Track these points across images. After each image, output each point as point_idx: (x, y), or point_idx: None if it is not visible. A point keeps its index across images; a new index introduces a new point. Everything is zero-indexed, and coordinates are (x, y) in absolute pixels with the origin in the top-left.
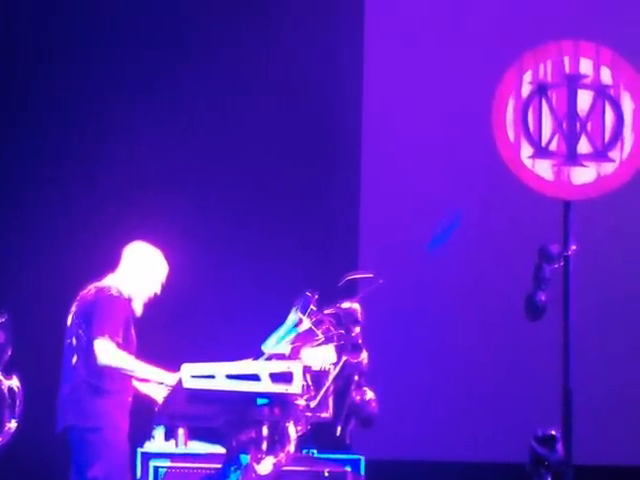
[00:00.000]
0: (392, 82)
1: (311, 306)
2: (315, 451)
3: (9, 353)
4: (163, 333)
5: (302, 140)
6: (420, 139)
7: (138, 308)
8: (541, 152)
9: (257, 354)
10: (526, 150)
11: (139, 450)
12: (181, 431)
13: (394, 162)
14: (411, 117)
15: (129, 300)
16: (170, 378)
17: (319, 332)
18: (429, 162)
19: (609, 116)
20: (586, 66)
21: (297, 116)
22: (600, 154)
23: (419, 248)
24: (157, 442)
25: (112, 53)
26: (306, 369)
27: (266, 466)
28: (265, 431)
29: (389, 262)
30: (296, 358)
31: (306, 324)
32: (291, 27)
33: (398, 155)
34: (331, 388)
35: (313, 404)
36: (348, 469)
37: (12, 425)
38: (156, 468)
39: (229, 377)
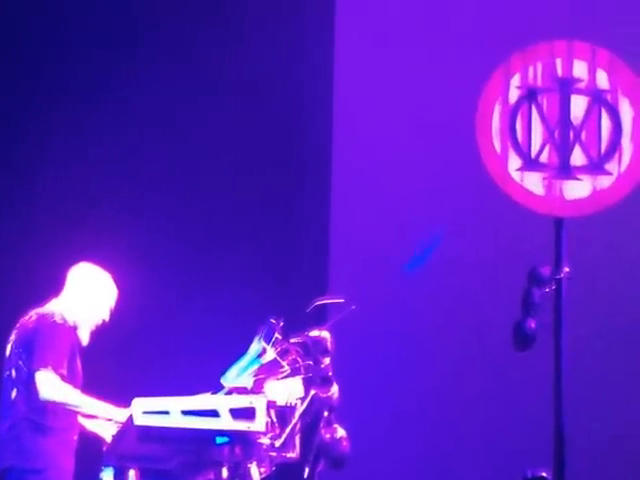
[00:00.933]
0: (365, 88)
1: (276, 334)
2: None
3: None
4: (112, 364)
5: (266, 152)
6: (396, 150)
7: (84, 337)
8: (531, 164)
9: (216, 388)
10: (514, 162)
11: None
12: (132, 473)
13: (367, 175)
14: (386, 126)
15: (74, 328)
16: (120, 414)
17: (285, 363)
18: (406, 175)
19: (606, 124)
20: (580, 69)
21: (261, 125)
22: (596, 166)
23: (395, 270)
24: None
25: (60, 54)
26: (270, 404)
27: None
28: (225, 473)
29: (362, 286)
30: (259, 392)
31: (270, 354)
32: (255, 26)
33: (371, 167)
34: (298, 425)
35: (278, 443)
36: None
37: None
38: None
39: (185, 413)
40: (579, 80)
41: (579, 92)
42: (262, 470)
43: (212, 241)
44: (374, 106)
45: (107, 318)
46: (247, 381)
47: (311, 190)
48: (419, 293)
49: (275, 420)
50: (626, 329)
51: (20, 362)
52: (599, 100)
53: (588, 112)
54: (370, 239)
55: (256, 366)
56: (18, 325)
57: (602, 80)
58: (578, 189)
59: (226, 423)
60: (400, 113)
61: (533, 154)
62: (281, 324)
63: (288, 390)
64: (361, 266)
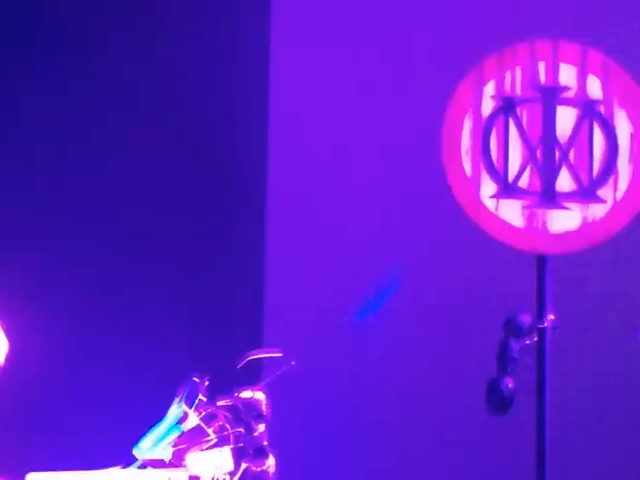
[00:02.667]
0: (307, 102)
1: (200, 396)
2: None
3: None
4: (2, 431)
5: (192, 187)
6: (344, 177)
7: None
8: (508, 190)
9: (127, 460)
10: (488, 187)
11: None
12: None
13: (309, 209)
14: (332, 148)
15: None
16: None
17: (210, 431)
18: (356, 206)
19: (599, 142)
20: (568, 75)
21: (185, 153)
22: (586, 193)
23: (344, 319)
24: None
25: None
26: None
27: None
28: None
29: (303, 337)
30: (180, 465)
31: (193, 420)
32: (177, 27)
33: (314, 200)
34: None
35: None
36: None
37: None
38: None
39: None
40: (566, 88)
41: (566, 103)
42: None
43: (127, 286)
44: (318, 124)
45: None
46: (165, 452)
47: (244, 221)
48: (372, 346)
49: None
50: (622, 391)
51: None
52: (591, 112)
53: (577, 127)
54: (312, 282)
55: (176, 434)
56: None
57: (594, 88)
58: (565, 220)
59: None
60: (349, 132)
61: (510, 178)
62: (206, 383)
63: (214, 463)
64: (302, 314)
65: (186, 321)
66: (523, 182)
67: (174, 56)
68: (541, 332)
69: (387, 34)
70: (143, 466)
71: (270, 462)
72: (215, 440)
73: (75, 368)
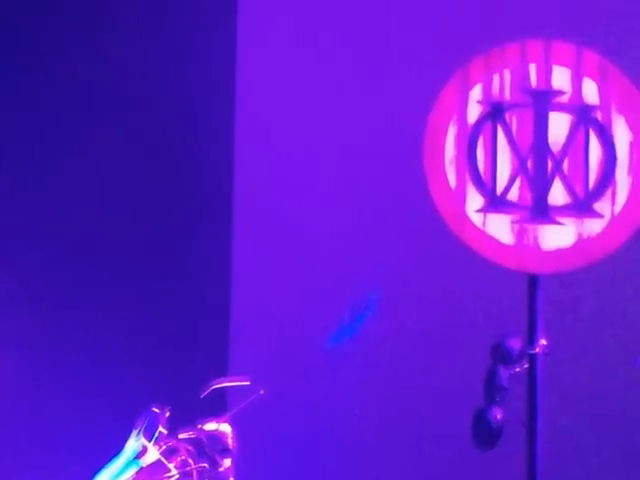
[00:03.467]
0: (275, 105)
1: (160, 428)
2: None
3: None
4: None
5: (151, 199)
6: (315, 186)
7: None
8: (496, 204)
9: None
10: (474, 201)
11: None
12: None
13: (278, 220)
14: (302, 155)
15: None
16: None
17: (172, 466)
18: (330, 218)
19: (595, 151)
20: (562, 78)
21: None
22: (582, 207)
23: (316, 344)
24: None
25: None
26: None
27: None
28: None
29: (273, 364)
30: None
31: (152, 454)
32: (134, 27)
33: (284, 210)
34: None
35: None
36: None
37: None
38: None
39: None
40: (559, 92)
41: (560, 108)
42: None
43: (75, 307)
44: (287, 129)
45: None
46: None
47: (208, 235)
48: (348, 373)
49: None
50: (620, 423)
51: None
52: (586, 119)
53: (571, 135)
54: (283, 303)
55: (134, 469)
56: None
57: (590, 92)
58: (558, 236)
59: None
60: (320, 139)
61: (499, 190)
62: (167, 414)
63: None
64: (272, 337)
65: (145, 346)
66: (512, 195)
67: (131, 56)
68: (532, 358)
69: (362, 32)
70: None
71: None
72: (177, 476)
73: (25, 398)
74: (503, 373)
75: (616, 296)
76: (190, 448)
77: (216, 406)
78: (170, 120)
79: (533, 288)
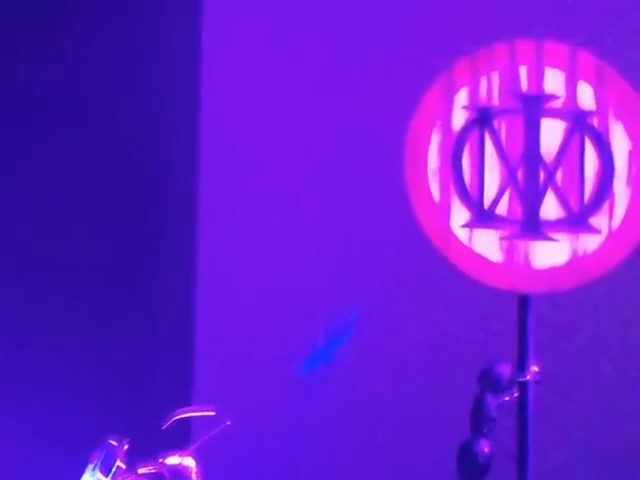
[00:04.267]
0: (244, 112)
1: (117, 462)
2: None
3: None
4: None
5: (116, 212)
6: (286, 198)
7: None
8: (483, 218)
9: None
10: (459, 215)
11: None
12: None
13: (246, 242)
14: (271, 163)
15: None
16: None
17: None
18: (303, 234)
19: (591, 160)
20: (555, 81)
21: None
22: (577, 221)
23: (287, 371)
24: None
25: None
26: None
27: None
28: None
29: (240, 391)
30: None
31: None
32: (93, 26)
33: (252, 225)
34: None
35: None
36: None
37: None
38: None
39: None
40: (552, 97)
41: (553, 114)
42: None
43: (28, 332)
44: (254, 138)
45: None
46: None
47: (171, 252)
48: (320, 403)
49: None
50: (618, 457)
51: None
52: (581, 126)
53: (565, 143)
54: (251, 328)
55: None
56: None
57: (586, 97)
58: (551, 253)
59: None
60: (292, 145)
61: (487, 204)
62: (125, 447)
63: None
64: (238, 365)
65: (102, 373)
66: (501, 209)
67: (91, 56)
68: (523, 386)
69: (337, 31)
70: None
71: None
72: None
73: None
74: (491, 402)
75: (614, 318)
76: None
77: (179, 438)
78: (132, 123)
79: (524, 309)
